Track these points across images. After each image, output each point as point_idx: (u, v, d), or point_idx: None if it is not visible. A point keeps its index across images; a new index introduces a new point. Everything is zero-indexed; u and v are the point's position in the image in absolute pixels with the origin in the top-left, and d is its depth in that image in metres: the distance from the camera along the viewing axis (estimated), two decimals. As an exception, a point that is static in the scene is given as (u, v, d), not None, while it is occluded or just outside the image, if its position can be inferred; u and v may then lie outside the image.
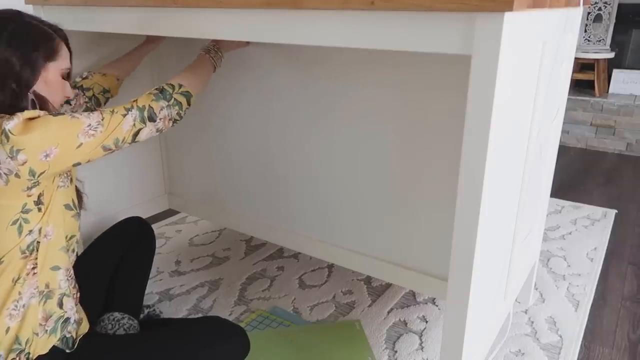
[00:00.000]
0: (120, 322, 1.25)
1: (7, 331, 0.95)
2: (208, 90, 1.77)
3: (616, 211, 2.49)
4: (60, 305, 1.02)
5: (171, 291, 1.76)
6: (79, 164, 0.99)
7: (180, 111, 1.13)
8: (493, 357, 1.45)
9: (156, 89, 1.13)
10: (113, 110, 1.03)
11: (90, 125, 0.97)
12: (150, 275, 1.48)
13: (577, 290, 1.79)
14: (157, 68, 1.89)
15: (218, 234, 2.20)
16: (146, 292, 1.48)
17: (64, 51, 1.04)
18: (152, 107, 1.08)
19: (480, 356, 1.19)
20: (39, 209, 0.97)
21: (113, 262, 1.37)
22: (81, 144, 0.96)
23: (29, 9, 1.43)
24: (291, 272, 1.89)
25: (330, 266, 1.93)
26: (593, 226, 2.32)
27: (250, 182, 1.79)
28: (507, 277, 1.27)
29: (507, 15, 0.76)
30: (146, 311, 1.56)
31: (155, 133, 1.09)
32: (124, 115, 1.03)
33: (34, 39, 0.98)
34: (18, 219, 0.94)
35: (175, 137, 1.96)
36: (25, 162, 0.89)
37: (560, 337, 1.54)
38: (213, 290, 1.77)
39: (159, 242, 2.09)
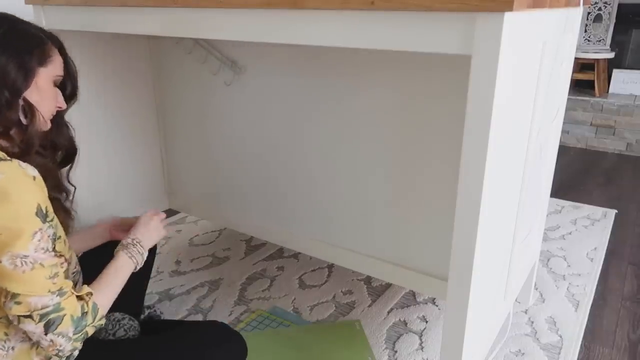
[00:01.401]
0: (120, 323, 1.25)
1: None
2: (208, 90, 1.78)
3: (616, 211, 2.49)
4: None
5: (171, 291, 1.76)
6: None
7: (75, 346, 0.89)
8: (493, 357, 1.45)
9: (83, 301, 0.91)
10: (56, 274, 0.86)
11: (27, 256, 0.82)
12: (150, 275, 1.48)
13: (577, 290, 1.79)
14: (157, 68, 1.89)
15: (218, 234, 2.20)
16: (146, 292, 1.48)
17: (56, 57, 1.00)
18: (61, 321, 0.85)
19: (480, 356, 1.19)
20: None
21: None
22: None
23: (29, 9, 1.43)
24: (291, 272, 1.89)
25: (330, 266, 1.93)
26: (593, 226, 2.32)
27: (250, 182, 1.79)
28: (507, 277, 1.27)
29: (507, 15, 0.76)
30: (147, 312, 1.56)
31: (33, 337, 0.86)
32: (50, 292, 0.84)
33: (27, 42, 0.95)
34: None
35: (175, 137, 1.96)
36: None
37: (560, 337, 1.54)
38: (213, 290, 1.77)
39: (159, 242, 2.08)
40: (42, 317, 0.84)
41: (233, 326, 1.55)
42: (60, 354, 0.87)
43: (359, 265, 1.59)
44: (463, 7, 0.77)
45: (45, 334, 0.84)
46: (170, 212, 2.30)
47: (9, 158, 0.86)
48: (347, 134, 1.50)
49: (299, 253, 2.01)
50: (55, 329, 0.85)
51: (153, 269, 1.84)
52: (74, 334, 0.87)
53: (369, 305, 1.69)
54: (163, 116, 1.95)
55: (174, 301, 1.70)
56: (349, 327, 1.57)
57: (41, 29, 1.01)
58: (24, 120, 0.93)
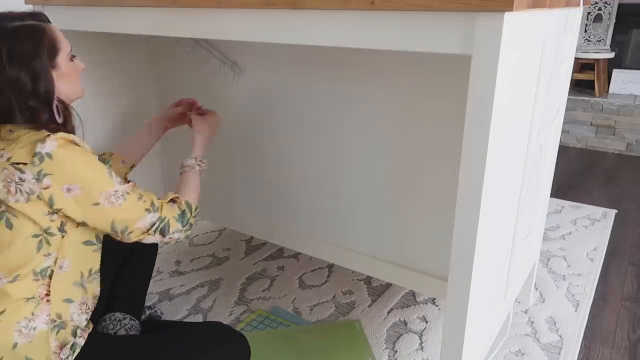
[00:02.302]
0: (121, 323, 1.25)
1: (14, 346, 0.92)
2: (208, 90, 1.78)
3: (616, 211, 2.49)
4: (75, 335, 1.00)
5: (171, 291, 1.76)
6: (84, 224, 0.97)
7: (188, 233, 1.11)
8: (493, 357, 1.45)
9: (178, 204, 1.09)
10: (142, 195, 1.01)
11: (117, 191, 0.96)
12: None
13: (577, 290, 1.79)
14: (158, 68, 1.89)
15: (218, 234, 2.20)
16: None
17: (58, 34, 0.99)
18: (169, 224, 1.05)
19: (480, 356, 1.19)
20: (62, 236, 0.96)
21: (116, 263, 1.37)
22: (98, 203, 0.95)
23: (28, 9, 1.43)
24: (291, 272, 1.89)
25: (330, 266, 1.93)
26: (593, 226, 2.32)
27: (250, 182, 1.79)
28: (507, 277, 1.27)
29: (507, 15, 0.76)
30: (147, 312, 1.56)
31: (156, 243, 1.07)
32: (147, 211, 1.01)
33: (31, 45, 0.93)
34: (40, 235, 0.93)
35: (175, 137, 1.96)
36: (49, 188, 0.90)
37: (560, 337, 1.54)
38: (213, 290, 1.77)
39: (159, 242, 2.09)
40: (155, 231, 1.02)
41: (233, 326, 1.55)
42: (177, 241, 1.09)
43: (359, 265, 1.59)
44: (463, 7, 0.77)
45: (164, 237, 1.05)
46: (170, 212, 2.31)
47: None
48: (347, 135, 1.50)
49: (299, 253, 2.01)
50: (169, 232, 1.05)
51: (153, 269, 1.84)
52: (183, 227, 1.08)
53: (369, 305, 1.69)
54: (163, 116, 1.94)
55: (174, 301, 1.70)
56: (349, 327, 1.57)
57: (27, 14, 0.98)
58: (58, 120, 0.97)
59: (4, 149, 0.91)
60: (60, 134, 0.92)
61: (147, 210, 1.00)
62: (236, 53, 1.65)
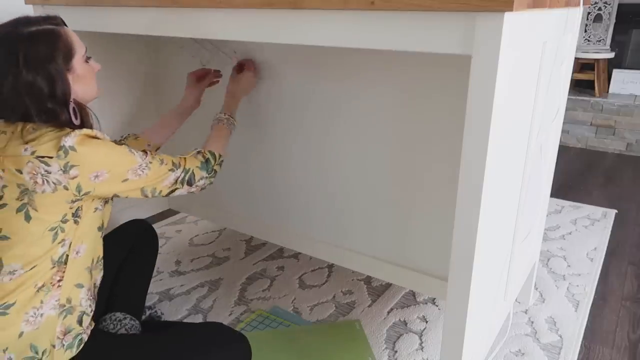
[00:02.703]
0: (122, 322, 1.25)
1: (20, 335, 0.95)
2: (208, 91, 1.78)
3: (616, 211, 2.49)
4: (80, 322, 1.02)
5: (171, 291, 1.76)
6: (117, 196, 1.04)
7: (213, 180, 1.22)
8: (493, 357, 1.45)
9: (202, 154, 1.21)
10: (162, 160, 1.10)
11: (140, 165, 1.04)
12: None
13: (577, 290, 1.79)
14: (158, 68, 1.89)
15: (218, 234, 2.20)
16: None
17: (72, 38, 1.00)
18: (194, 174, 1.16)
19: (480, 356, 1.19)
20: (75, 222, 0.99)
21: (116, 263, 1.37)
22: (127, 179, 1.02)
23: (29, 9, 1.43)
24: (291, 272, 1.89)
25: (330, 266, 1.93)
26: (593, 226, 2.32)
27: (250, 182, 1.79)
28: (507, 277, 1.27)
29: (507, 15, 0.76)
30: (147, 312, 1.56)
31: (185, 194, 1.17)
32: (170, 171, 1.10)
33: (47, 50, 0.94)
34: (56, 227, 0.97)
35: (175, 137, 1.95)
36: (76, 177, 0.94)
37: (560, 337, 1.54)
38: (213, 290, 1.77)
39: (159, 242, 2.09)
40: (181, 183, 1.13)
41: (233, 326, 1.55)
42: (203, 188, 1.20)
43: (359, 265, 1.59)
44: (463, 7, 0.77)
45: (191, 187, 1.16)
46: (170, 212, 2.31)
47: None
48: (347, 135, 1.50)
49: (299, 253, 2.01)
50: (195, 181, 1.16)
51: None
52: (207, 174, 1.19)
53: (369, 305, 1.69)
54: (163, 116, 1.94)
55: (173, 301, 1.70)
56: (349, 327, 1.57)
57: (44, 19, 0.99)
58: (75, 121, 0.99)
59: (27, 143, 0.93)
60: (84, 130, 0.96)
61: (170, 170, 1.10)
62: (237, 53, 1.65)
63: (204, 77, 1.58)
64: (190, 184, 1.15)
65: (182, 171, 1.13)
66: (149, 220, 1.59)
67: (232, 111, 1.42)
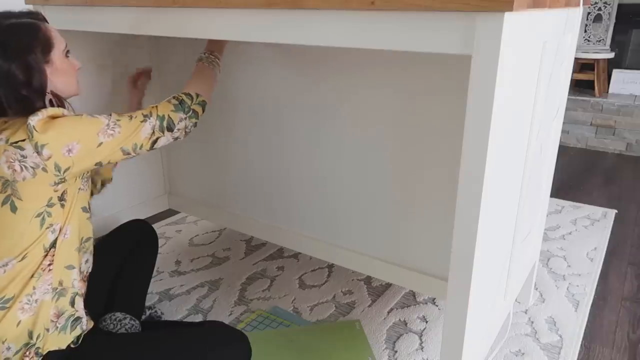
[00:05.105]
0: (122, 322, 1.26)
1: (18, 324, 0.96)
2: (208, 90, 1.78)
3: (616, 211, 2.49)
4: (73, 303, 1.04)
5: (171, 291, 1.76)
6: (100, 164, 1.02)
7: (197, 121, 1.17)
8: (493, 357, 1.45)
9: (175, 98, 1.15)
10: (131, 115, 1.06)
11: (108, 125, 1.01)
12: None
13: (577, 290, 1.79)
14: (157, 68, 1.89)
15: (218, 234, 2.20)
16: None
17: (53, 32, 1.03)
18: (171, 118, 1.11)
19: (480, 356, 1.19)
20: (62, 206, 1.00)
21: (116, 263, 1.38)
22: (101, 143, 0.99)
23: (27, 9, 1.42)
24: (291, 272, 1.89)
25: (330, 266, 1.93)
26: (593, 226, 2.32)
27: (250, 182, 1.79)
28: (507, 277, 1.27)
29: (507, 15, 0.76)
30: (147, 312, 1.56)
31: (171, 141, 1.13)
32: (142, 122, 1.06)
33: (25, 41, 0.97)
34: (42, 212, 0.97)
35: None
36: (50, 157, 0.93)
37: (560, 337, 1.54)
38: (213, 290, 1.77)
39: (159, 242, 2.09)
40: (160, 131, 1.09)
41: (233, 326, 1.55)
42: (187, 130, 1.14)
43: (359, 265, 1.59)
44: (463, 7, 0.77)
45: (172, 133, 1.11)
46: (170, 212, 2.31)
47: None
48: (347, 134, 1.50)
49: (299, 253, 2.01)
50: (174, 125, 1.11)
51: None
52: (185, 114, 1.13)
53: (369, 305, 1.69)
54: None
55: (173, 301, 1.70)
56: (349, 327, 1.57)
57: (25, 13, 1.02)
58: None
59: (1, 132, 0.95)
60: (49, 109, 0.97)
61: (142, 121, 1.06)
62: (239, 53, 1.65)
63: (139, 78, 1.55)
64: (170, 129, 1.10)
65: (156, 118, 1.08)
66: (149, 220, 1.59)
67: (213, 49, 1.32)
